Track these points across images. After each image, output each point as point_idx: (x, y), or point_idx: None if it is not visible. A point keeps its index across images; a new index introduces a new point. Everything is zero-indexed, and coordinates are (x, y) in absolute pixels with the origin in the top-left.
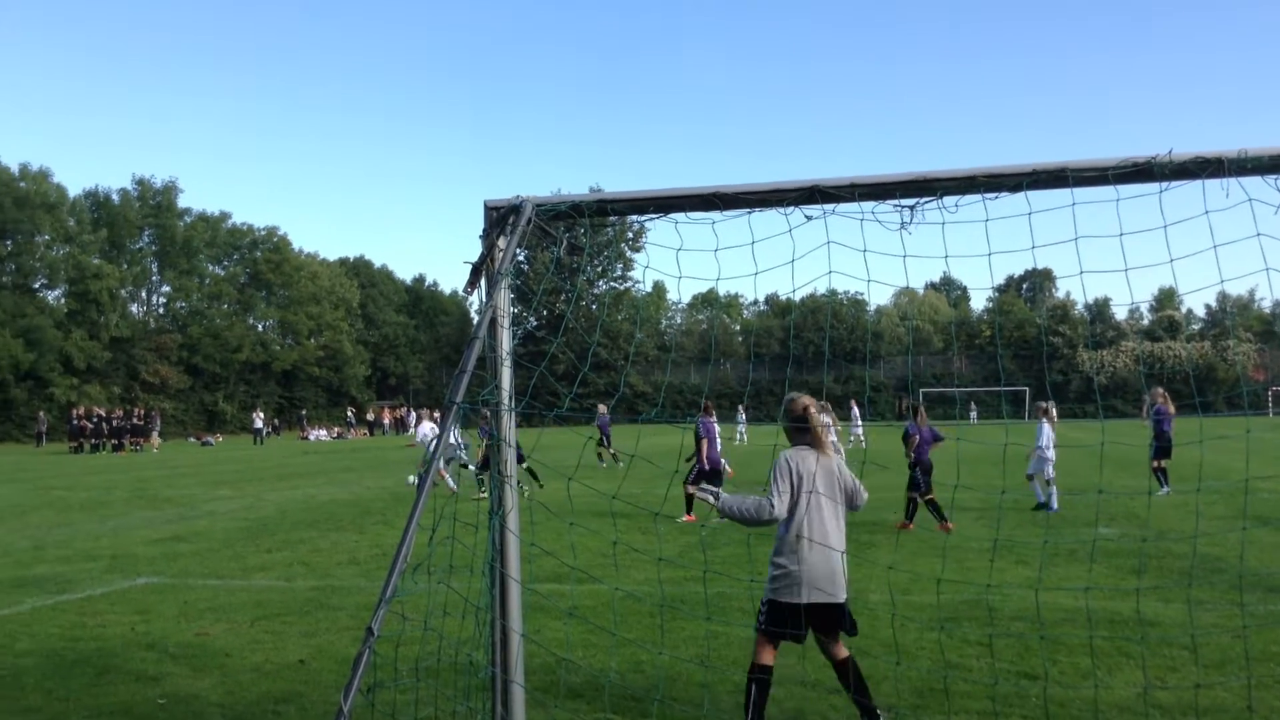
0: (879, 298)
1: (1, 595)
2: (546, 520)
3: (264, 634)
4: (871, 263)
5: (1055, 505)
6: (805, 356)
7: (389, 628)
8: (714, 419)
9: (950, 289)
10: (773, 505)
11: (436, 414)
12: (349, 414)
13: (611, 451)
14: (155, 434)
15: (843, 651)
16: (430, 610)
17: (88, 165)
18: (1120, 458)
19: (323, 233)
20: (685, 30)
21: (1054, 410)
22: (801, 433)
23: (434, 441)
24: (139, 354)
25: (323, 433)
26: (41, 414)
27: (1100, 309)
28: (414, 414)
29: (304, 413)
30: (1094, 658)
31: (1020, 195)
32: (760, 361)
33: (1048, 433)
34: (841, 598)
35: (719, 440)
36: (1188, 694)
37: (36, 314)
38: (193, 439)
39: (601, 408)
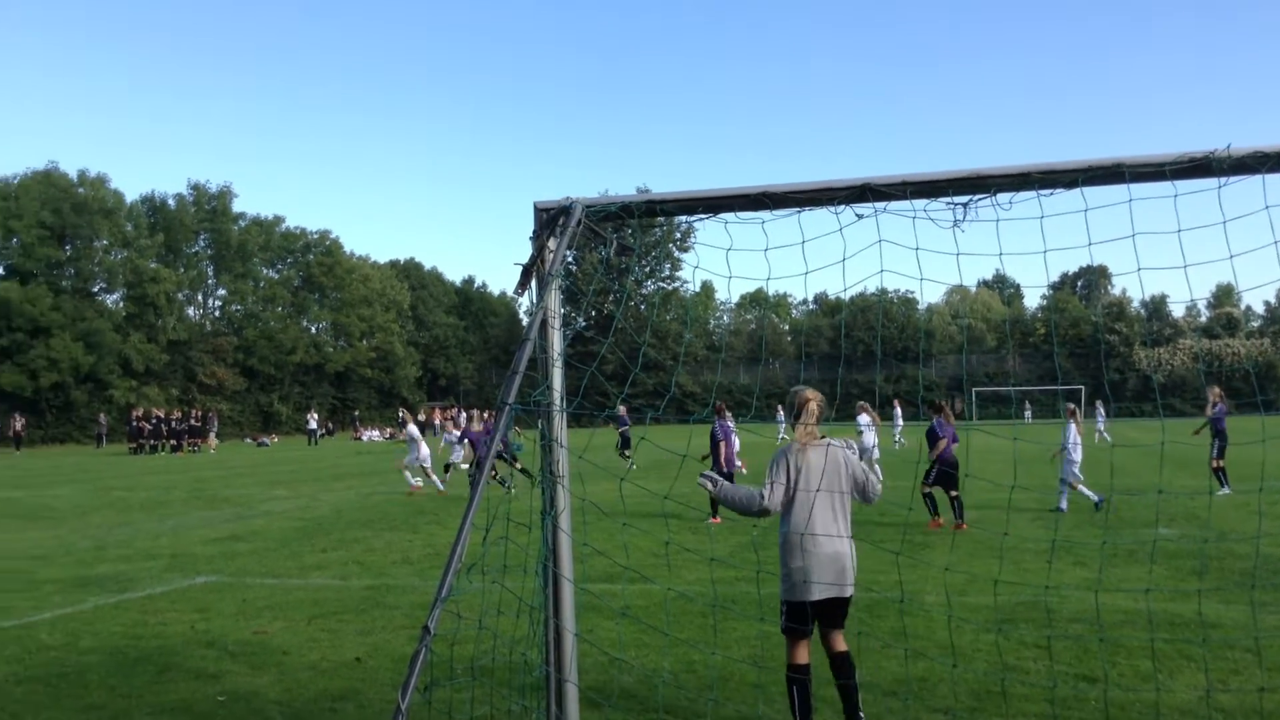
0: (930, 296)
1: (65, 594)
2: (598, 520)
3: (321, 632)
4: (923, 261)
5: (1064, 506)
6: (855, 355)
7: (445, 626)
8: (730, 420)
9: (1003, 286)
10: (763, 496)
11: (423, 415)
12: (400, 414)
13: (627, 453)
14: (212, 435)
15: (841, 644)
16: (485, 609)
17: (144, 171)
18: (1179, 457)
19: (374, 236)
20: (728, 31)
21: (1080, 412)
22: (799, 425)
23: (489, 441)
24: (196, 356)
25: (375, 433)
26: (102, 416)
27: (1157, 306)
28: (312, 416)
29: (357, 413)
30: (1155, 660)
31: (1075, 192)
32: (810, 361)
33: (1073, 434)
34: (849, 592)
35: (736, 441)
36: (1251, 698)
37: (96, 317)
38: (249, 440)
39: (622, 409)
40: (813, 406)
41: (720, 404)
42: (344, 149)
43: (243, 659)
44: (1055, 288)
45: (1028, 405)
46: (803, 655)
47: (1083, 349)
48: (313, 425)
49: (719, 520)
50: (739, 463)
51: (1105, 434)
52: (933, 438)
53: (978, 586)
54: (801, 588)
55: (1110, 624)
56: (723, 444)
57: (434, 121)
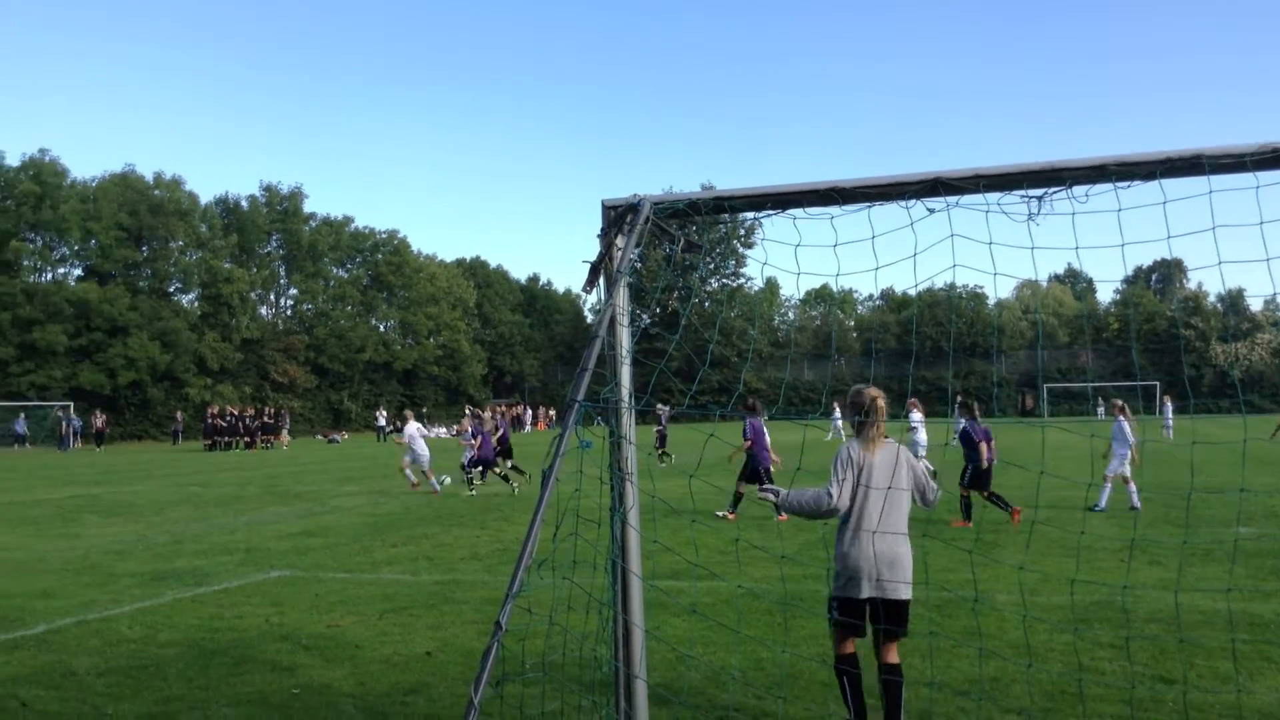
0: (1001, 291)
1: (143, 588)
2: (666, 517)
3: (392, 626)
4: (996, 255)
5: (1104, 504)
6: (923, 352)
7: (515, 622)
8: (760, 418)
9: (1075, 281)
10: (831, 495)
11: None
12: (467, 411)
13: (661, 451)
14: (285, 432)
15: (894, 655)
16: (555, 605)
17: (219, 173)
18: (1259, 454)
19: (441, 235)
20: (791, 28)
21: (1129, 408)
22: (865, 424)
23: (558, 440)
24: (268, 354)
25: (442, 430)
26: (179, 413)
27: (1235, 300)
28: (381, 413)
29: (424, 410)
30: (1235, 662)
31: (1153, 184)
32: (876, 357)
33: (1127, 431)
34: (904, 595)
35: (768, 438)
36: None
37: (172, 317)
38: (319, 436)
39: (661, 407)
40: (881, 405)
41: (752, 400)
42: (412, 149)
43: (316, 652)
44: (1129, 281)
45: (1100, 402)
46: (848, 646)
47: (1158, 344)
48: (381, 422)
49: (785, 518)
50: (775, 458)
51: (1170, 431)
52: (967, 440)
53: (1051, 586)
54: (853, 584)
55: (1188, 624)
56: (749, 442)
57: (500, 121)
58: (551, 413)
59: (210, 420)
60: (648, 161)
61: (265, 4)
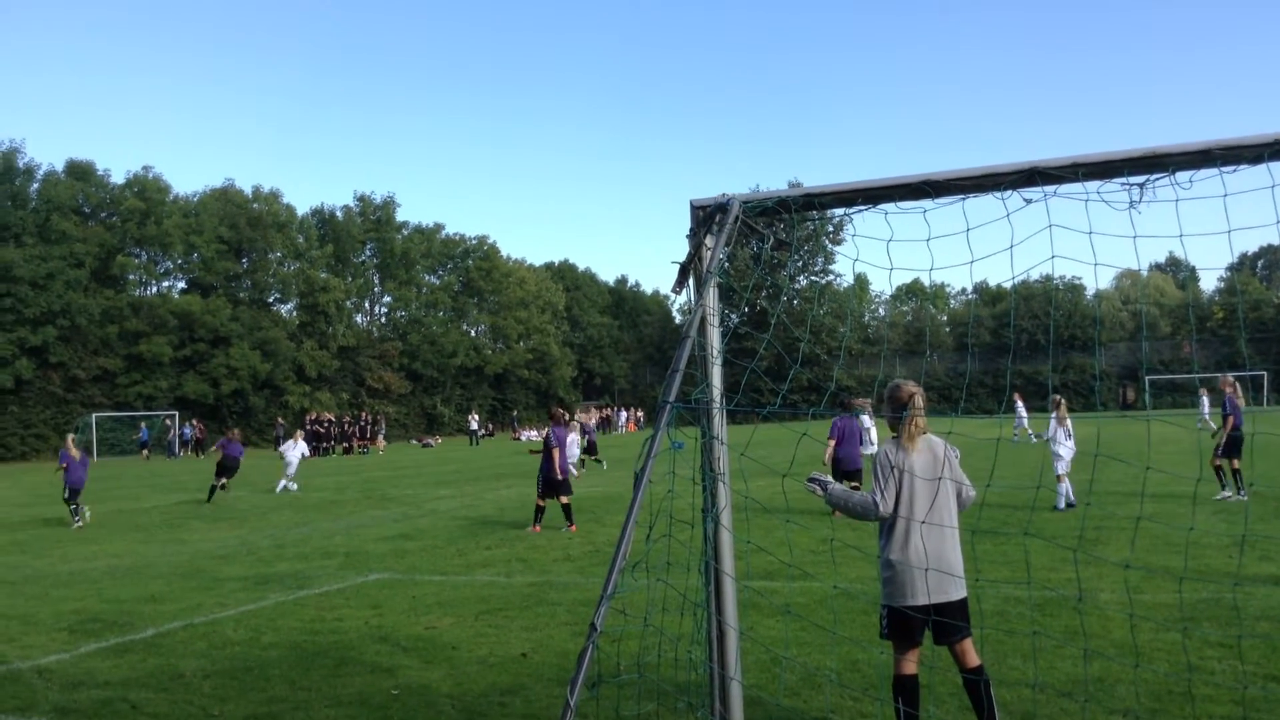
0: (1100, 282)
1: (247, 591)
2: (759, 517)
3: (488, 628)
4: (1096, 244)
5: (1062, 505)
6: (1019, 346)
7: (610, 624)
8: (854, 416)
9: (1177, 269)
10: (878, 504)
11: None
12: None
13: (594, 458)
14: (381, 437)
15: (973, 657)
16: (649, 607)
17: (314, 185)
18: None
19: (530, 239)
20: (873, 24)
21: (1064, 404)
22: (904, 421)
23: (650, 441)
24: (364, 361)
25: (533, 433)
26: (280, 420)
27: None
28: (473, 417)
29: (515, 414)
30: None
31: (1260, 167)
32: (970, 352)
33: (1053, 428)
34: (956, 595)
35: (861, 437)
36: None
37: (271, 326)
38: (414, 441)
39: (582, 416)
40: (919, 400)
41: (848, 399)
42: (500, 156)
43: (414, 653)
44: (1234, 269)
45: (1205, 394)
46: (909, 666)
47: (1264, 333)
48: (474, 426)
49: (839, 515)
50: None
51: (1209, 422)
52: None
53: (1155, 583)
54: (903, 591)
55: None
56: (834, 442)
57: (585, 125)
58: (640, 414)
59: (309, 426)
60: (735, 161)
61: (356, 20)
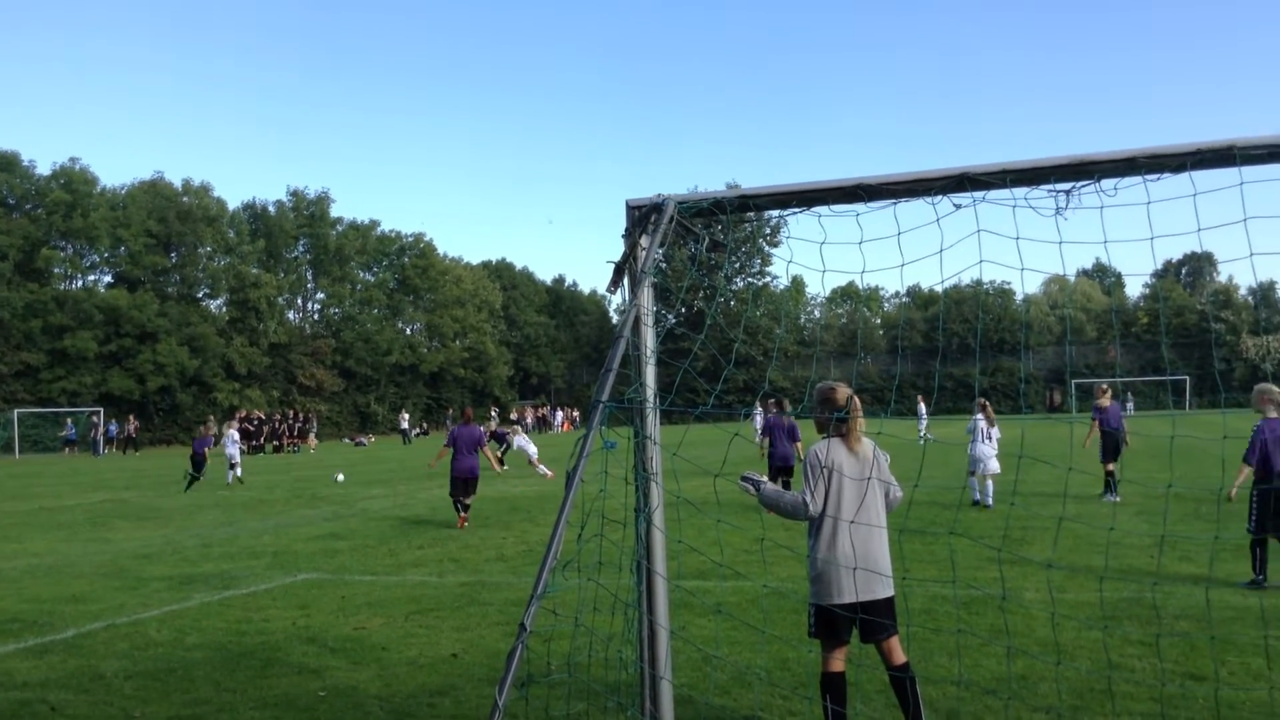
0: (1028, 286)
1: (172, 591)
2: (691, 517)
3: (418, 628)
4: (1024, 250)
5: (991, 502)
6: (950, 349)
7: (540, 623)
8: (779, 415)
9: (1103, 275)
10: (807, 504)
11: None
12: (492, 413)
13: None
14: (312, 435)
15: (899, 655)
16: (580, 606)
17: (246, 179)
18: None
19: (467, 237)
20: (813, 25)
21: (990, 407)
22: (836, 423)
23: (582, 440)
24: (296, 359)
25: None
26: (211, 419)
27: (1266, 293)
28: (404, 416)
29: (450, 413)
30: (1267, 658)
31: (1184, 176)
32: (904, 355)
33: (985, 429)
34: (883, 594)
35: (788, 435)
36: None
37: (200, 322)
38: (346, 440)
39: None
40: (857, 402)
41: (774, 399)
42: (437, 152)
43: (343, 654)
44: (1159, 275)
45: (1130, 397)
46: (837, 663)
47: (1188, 338)
48: (404, 425)
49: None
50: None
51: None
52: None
53: (1077, 582)
54: (830, 589)
55: (1220, 620)
56: (766, 439)
57: (524, 123)
58: (576, 413)
59: (239, 424)
60: (672, 161)
61: (289, 10)
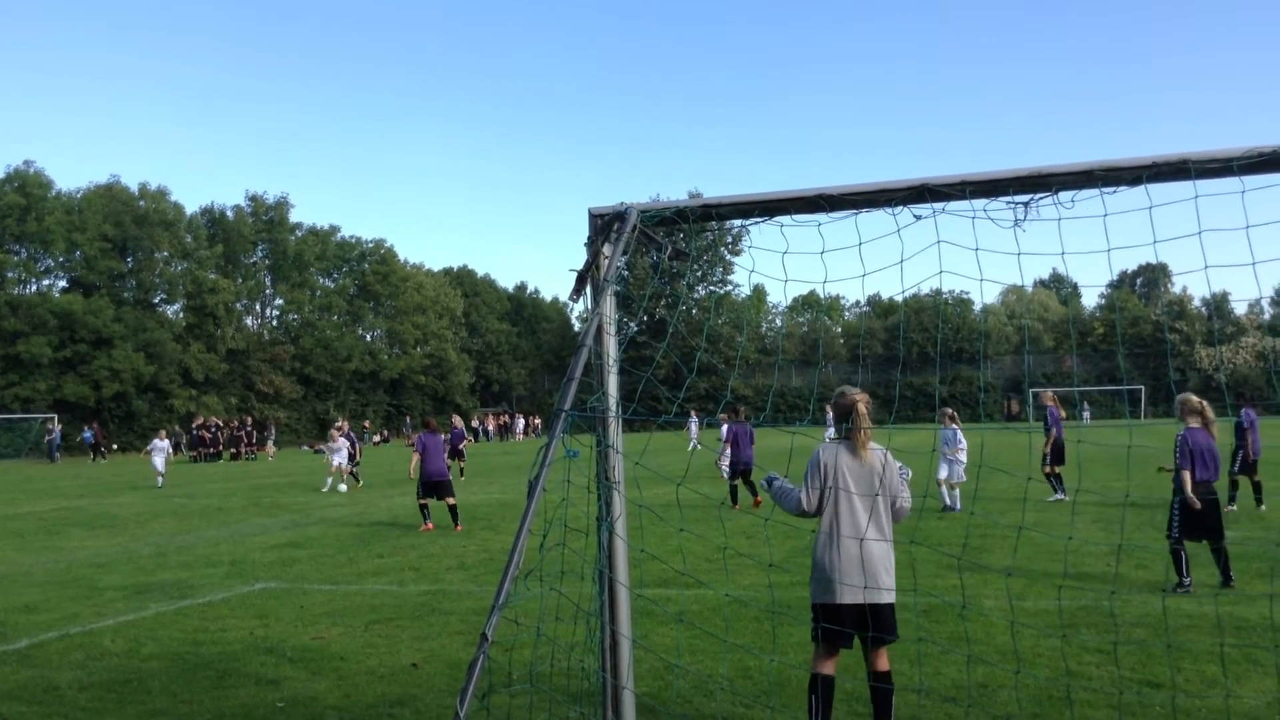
0: (986, 297)
1: (127, 601)
2: (654, 525)
3: (378, 638)
4: (982, 261)
5: (959, 507)
6: (910, 358)
7: (502, 633)
8: (741, 423)
9: (1060, 286)
10: (802, 501)
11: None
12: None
13: (460, 465)
14: (270, 442)
15: (884, 663)
16: (542, 616)
17: (204, 183)
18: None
19: (428, 244)
20: (776, 35)
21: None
22: (852, 429)
23: (544, 449)
24: (254, 365)
25: (322, 446)
26: (172, 427)
27: (1219, 304)
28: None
29: (409, 420)
30: (1223, 665)
31: (1139, 189)
32: (864, 364)
33: (957, 436)
34: (883, 599)
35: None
36: None
37: (157, 328)
38: (305, 447)
39: (458, 420)
40: (862, 408)
41: (733, 407)
42: (399, 158)
43: (301, 664)
44: (1114, 286)
45: (1086, 406)
46: (828, 666)
47: (1142, 348)
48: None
49: (760, 501)
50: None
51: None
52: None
53: (1038, 590)
54: (830, 589)
55: (1176, 628)
56: (727, 445)
57: (487, 130)
58: (538, 421)
59: (195, 432)
60: (635, 170)
61: (248, 13)
